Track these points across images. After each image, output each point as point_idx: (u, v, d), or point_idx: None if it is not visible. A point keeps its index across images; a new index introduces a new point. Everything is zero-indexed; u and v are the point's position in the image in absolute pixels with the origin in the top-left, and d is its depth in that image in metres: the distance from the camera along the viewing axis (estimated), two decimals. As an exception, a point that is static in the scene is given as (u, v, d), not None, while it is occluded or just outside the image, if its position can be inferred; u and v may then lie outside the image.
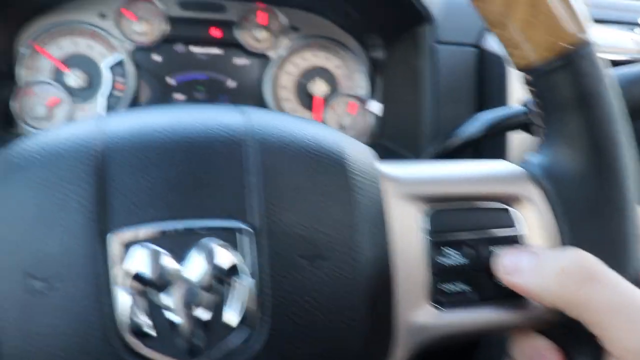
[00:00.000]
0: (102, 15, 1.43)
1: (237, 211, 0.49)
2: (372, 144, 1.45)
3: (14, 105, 1.38)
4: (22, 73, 1.40)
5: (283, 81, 1.49)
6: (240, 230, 0.48)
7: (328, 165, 0.52)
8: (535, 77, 0.59)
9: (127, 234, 0.47)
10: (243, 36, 1.47)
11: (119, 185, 0.48)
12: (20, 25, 1.39)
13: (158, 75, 1.46)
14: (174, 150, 0.50)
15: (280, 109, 1.48)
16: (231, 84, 1.48)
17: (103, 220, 0.47)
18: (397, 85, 1.44)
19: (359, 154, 0.56)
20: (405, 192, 0.57)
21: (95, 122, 0.54)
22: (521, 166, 0.63)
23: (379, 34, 1.42)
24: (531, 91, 0.61)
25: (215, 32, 1.47)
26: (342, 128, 1.49)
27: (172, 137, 0.51)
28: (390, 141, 1.47)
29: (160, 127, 0.52)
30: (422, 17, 1.30)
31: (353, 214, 0.51)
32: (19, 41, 1.40)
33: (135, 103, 1.44)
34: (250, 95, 1.49)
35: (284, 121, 0.56)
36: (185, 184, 0.49)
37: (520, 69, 0.60)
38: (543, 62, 0.57)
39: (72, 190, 0.47)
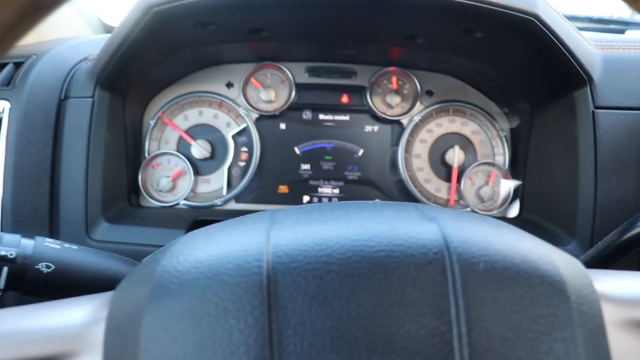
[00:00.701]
0: (230, 85, 1.37)
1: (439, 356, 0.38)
2: (514, 218, 1.32)
3: (140, 178, 1.32)
4: (149, 145, 1.34)
5: (417, 149, 1.39)
6: None
7: (545, 294, 0.41)
8: None
9: None
10: (374, 102, 1.38)
11: (292, 320, 0.38)
12: (150, 98, 1.34)
13: (284, 145, 1.38)
14: (356, 274, 0.40)
15: (414, 180, 1.37)
16: (360, 152, 1.38)
17: None
18: (546, 153, 1.31)
19: (576, 274, 0.44)
20: (631, 317, 0.45)
21: (259, 234, 0.45)
22: None
23: (526, 98, 1.30)
24: None
25: (345, 98, 1.38)
26: (480, 199, 1.37)
27: (353, 257, 0.41)
28: (536, 215, 1.33)
29: (337, 243, 0.42)
30: (581, 80, 1.17)
31: (577, 352, 0.40)
32: (148, 113, 1.35)
33: (259, 173, 1.35)
34: (381, 165, 1.39)
35: (485, 233, 0.45)
36: (372, 319, 0.38)
37: None
38: None
39: (236, 328, 0.38)
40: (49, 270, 0.70)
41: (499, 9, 0.98)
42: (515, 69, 1.24)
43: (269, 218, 0.51)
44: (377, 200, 0.55)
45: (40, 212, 1.12)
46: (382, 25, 1.14)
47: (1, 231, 1.12)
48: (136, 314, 0.41)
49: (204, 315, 0.38)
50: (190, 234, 0.54)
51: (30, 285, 0.70)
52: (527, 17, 1.00)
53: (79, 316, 0.46)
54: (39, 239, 0.73)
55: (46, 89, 1.16)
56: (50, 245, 0.73)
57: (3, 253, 0.68)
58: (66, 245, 0.74)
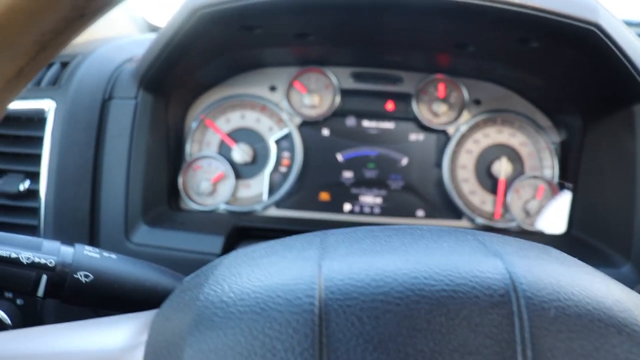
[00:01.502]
0: (273, 88, 1.34)
1: None
2: (563, 235, 1.27)
3: (180, 180, 1.31)
4: (190, 147, 1.33)
5: (462, 160, 1.35)
6: None
7: (622, 346, 0.36)
8: None
9: None
10: (420, 110, 1.34)
11: None
12: (193, 100, 1.33)
13: (326, 151, 1.35)
14: (415, 315, 0.37)
15: (458, 191, 1.33)
16: (404, 161, 1.35)
17: None
18: (599, 170, 1.25)
19: None
20: None
21: (309, 265, 0.42)
22: None
23: (579, 110, 1.25)
24: None
25: (390, 105, 1.35)
26: (526, 214, 1.32)
27: (412, 296, 0.38)
28: (587, 234, 1.28)
29: (395, 280, 0.39)
30: (641, 93, 1.12)
31: None
32: (190, 115, 1.34)
33: (301, 180, 1.33)
34: (425, 175, 1.35)
35: (555, 272, 0.41)
36: None
37: None
38: None
39: None
40: (87, 280, 0.69)
41: (559, 18, 0.94)
42: (570, 80, 1.19)
43: (319, 244, 0.48)
44: (432, 226, 0.52)
45: (81, 212, 1.12)
46: (434, 33, 1.11)
47: (43, 230, 1.12)
48: (177, 345, 0.39)
49: (250, 354, 0.36)
50: (234, 255, 0.51)
51: (69, 293, 0.69)
52: (588, 26, 0.96)
53: (118, 339, 0.45)
54: (78, 246, 0.71)
55: (90, 89, 1.16)
56: (89, 253, 0.71)
57: (43, 261, 0.67)
58: (105, 254, 0.73)
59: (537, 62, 1.15)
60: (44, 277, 0.67)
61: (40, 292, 0.67)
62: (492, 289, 0.38)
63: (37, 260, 0.67)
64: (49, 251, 0.68)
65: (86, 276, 0.69)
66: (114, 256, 0.74)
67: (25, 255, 0.67)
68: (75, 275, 0.69)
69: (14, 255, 0.66)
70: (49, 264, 0.67)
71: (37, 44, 0.35)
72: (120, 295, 0.72)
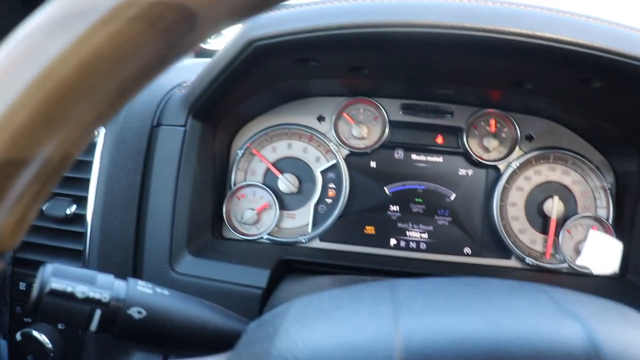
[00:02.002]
0: (321, 118, 1.33)
1: None
2: (617, 279, 1.22)
3: (224, 208, 1.29)
4: (235, 176, 1.32)
5: (513, 197, 1.31)
6: None
7: None
8: None
9: None
10: (470, 144, 1.31)
11: None
12: (239, 128, 1.32)
13: (373, 183, 1.33)
14: None
15: (507, 230, 1.29)
16: (452, 196, 1.32)
17: None
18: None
19: None
20: None
21: (385, 323, 0.40)
22: None
23: (637, 149, 1.21)
24: None
25: (439, 139, 1.33)
26: (578, 255, 1.28)
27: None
28: (642, 278, 1.23)
29: (475, 345, 0.37)
30: None
31: None
32: (235, 143, 1.33)
33: (346, 212, 1.31)
34: (473, 211, 1.32)
35: (638, 339, 0.39)
36: None
37: None
38: None
39: None
40: (140, 317, 0.68)
41: (625, 60, 0.91)
42: (629, 119, 1.16)
43: (389, 298, 0.46)
44: (501, 280, 0.50)
45: (126, 239, 1.11)
46: (491, 70, 1.08)
47: (87, 255, 1.12)
48: None
49: None
50: (301, 304, 0.49)
51: (121, 329, 0.68)
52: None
53: None
54: (131, 281, 0.71)
55: (140, 114, 1.16)
56: (142, 289, 0.70)
57: (97, 296, 0.66)
58: (158, 290, 0.72)
59: (597, 102, 1.12)
60: (98, 312, 0.66)
61: (94, 326, 0.67)
62: (574, 357, 0.36)
63: (91, 295, 0.66)
64: (103, 285, 0.68)
65: (139, 312, 0.68)
66: (166, 292, 0.72)
67: (80, 290, 0.66)
68: (129, 312, 0.67)
69: (69, 290, 0.65)
70: (102, 300, 0.66)
71: (118, 90, 0.35)
72: (171, 333, 0.70)
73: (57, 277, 0.65)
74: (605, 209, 1.29)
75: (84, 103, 0.34)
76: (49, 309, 0.65)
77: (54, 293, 0.65)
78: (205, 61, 1.17)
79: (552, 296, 0.46)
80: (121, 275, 1.05)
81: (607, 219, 1.28)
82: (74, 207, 1.15)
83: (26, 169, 0.33)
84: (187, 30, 0.34)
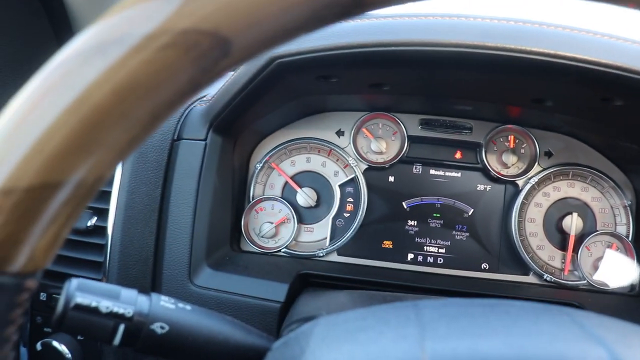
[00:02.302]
0: (340, 133, 1.34)
1: None
2: (635, 295, 1.21)
3: (242, 221, 1.30)
4: (253, 189, 1.33)
5: (531, 213, 1.31)
6: None
7: None
8: None
9: None
10: (489, 160, 1.31)
11: None
12: (258, 142, 1.33)
13: (391, 198, 1.33)
14: None
15: (525, 246, 1.29)
16: (470, 212, 1.32)
17: None
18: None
19: None
20: None
21: (413, 346, 0.41)
22: None
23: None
24: None
25: (458, 154, 1.33)
26: (596, 271, 1.27)
27: None
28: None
29: None
30: None
31: None
32: (254, 157, 1.34)
33: (364, 226, 1.31)
34: (491, 227, 1.31)
35: None
36: None
37: None
38: None
39: None
40: (163, 332, 0.68)
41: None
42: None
43: (415, 320, 0.46)
44: (525, 303, 0.50)
45: (146, 251, 1.12)
46: (512, 87, 1.08)
47: (107, 267, 1.13)
48: None
49: None
50: (325, 324, 0.50)
51: (144, 344, 0.69)
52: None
53: None
54: (154, 297, 0.71)
55: (160, 128, 1.17)
56: (165, 304, 0.71)
57: (121, 311, 0.67)
58: (180, 305, 0.72)
59: (618, 120, 1.12)
60: (121, 327, 0.67)
61: (117, 341, 0.67)
62: None
63: (115, 310, 0.67)
64: (126, 300, 0.68)
65: (162, 327, 0.69)
66: (188, 307, 0.73)
67: (104, 305, 0.66)
68: (151, 327, 0.68)
69: (93, 305, 0.66)
70: (126, 314, 0.67)
71: (151, 115, 0.35)
72: (193, 348, 0.71)
73: (82, 291, 0.66)
74: (625, 225, 1.28)
75: (118, 127, 0.34)
76: (74, 323, 0.66)
77: (79, 308, 0.65)
78: (226, 75, 1.18)
79: (576, 319, 0.47)
80: (141, 287, 1.07)
81: (627, 236, 1.27)
82: (94, 219, 1.16)
83: (60, 192, 0.34)
84: (221, 56, 0.35)
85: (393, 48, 0.92)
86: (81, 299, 0.66)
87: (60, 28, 1.28)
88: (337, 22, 0.36)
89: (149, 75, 0.33)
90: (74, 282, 0.66)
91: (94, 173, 0.35)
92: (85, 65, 0.33)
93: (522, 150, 1.31)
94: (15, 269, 0.35)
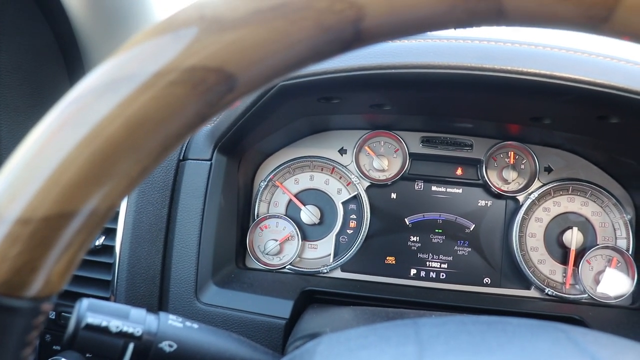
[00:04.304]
0: (342, 151, 1.36)
1: None
2: (636, 309, 1.23)
3: (247, 239, 1.32)
4: (258, 207, 1.35)
5: (532, 228, 1.33)
6: None
7: None
8: None
9: None
10: (489, 176, 1.33)
11: None
12: (263, 160, 1.36)
13: (393, 214, 1.35)
14: None
15: (527, 260, 1.30)
16: (472, 227, 1.34)
17: None
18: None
19: None
20: None
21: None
22: None
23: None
24: None
25: (459, 171, 1.35)
26: (597, 285, 1.28)
27: None
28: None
29: None
30: None
31: None
32: (259, 175, 1.36)
33: (367, 242, 1.33)
34: (493, 242, 1.33)
35: None
36: None
37: None
38: None
39: None
40: (171, 350, 0.70)
41: (640, 98, 0.93)
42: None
43: (414, 337, 0.48)
44: (521, 320, 0.52)
45: (153, 270, 1.14)
46: (510, 107, 1.11)
47: (115, 285, 1.15)
48: None
49: None
50: (328, 343, 0.52)
51: (152, 362, 0.70)
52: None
53: None
54: (162, 315, 0.73)
55: (167, 149, 1.19)
56: (173, 323, 0.73)
57: (131, 331, 0.69)
58: (188, 323, 0.74)
59: (615, 137, 1.14)
60: (131, 346, 0.69)
61: (126, 359, 0.69)
62: None
63: (125, 329, 0.68)
64: (135, 319, 0.70)
65: (170, 345, 0.70)
66: (195, 325, 0.75)
67: (114, 324, 0.68)
68: (160, 345, 0.70)
69: (104, 324, 0.68)
70: (135, 334, 0.69)
71: (160, 147, 0.37)
72: (200, 366, 0.72)
73: (92, 311, 0.68)
74: (625, 239, 1.30)
75: (129, 159, 0.36)
76: (85, 342, 0.67)
77: (90, 327, 0.67)
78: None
79: (571, 336, 0.48)
80: (148, 305, 1.09)
81: (627, 250, 1.28)
82: (102, 239, 1.18)
83: (75, 221, 0.36)
84: (227, 91, 0.37)
85: (393, 71, 0.94)
86: (92, 318, 0.68)
87: (73, 67, 1.32)
88: (338, 56, 0.38)
89: (159, 109, 0.35)
90: (85, 303, 0.68)
91: (107, 202, 0.36)
92: (98, 101, 0.35)
93: (522, 166, 1.33)
94: (32, 293, 0.37)
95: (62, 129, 0.35)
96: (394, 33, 0.36)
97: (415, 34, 0.38)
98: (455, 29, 0.37)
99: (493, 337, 0.48)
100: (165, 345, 0.70)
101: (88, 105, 0.35)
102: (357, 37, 0.36)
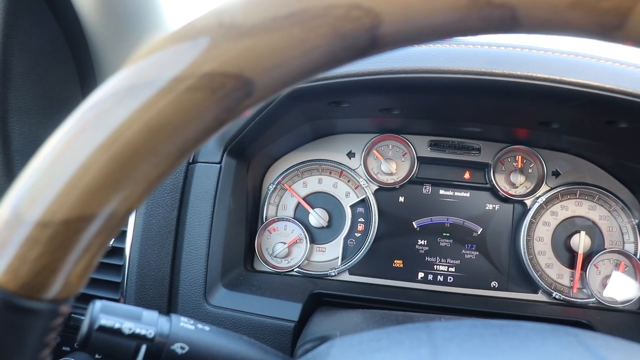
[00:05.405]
0: (351, 154, 1.37)
1: None
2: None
3: (256, 241, 1.33)
4: (266, 210, 1.35)
5: (539, 232, 1.33)
6: None
7: None
8: None
9: None
10: (497, 180, 1.33)
11: None
12: (271, 164, 1.36)
13: (401, 218, 1.35)
14: None
15: (534, 264, 1.31)
16: (479, 231, 1.34)
17: None
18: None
19: None
20: None
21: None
22: None
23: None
24: None
25: (467, 174, 1.35)
26: (605, 289, 1.29)
27: None
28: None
29: None
30: None
31: None
32: (267, 178, 1.37)
33: (375, 246, 1.33)
34: (500, 246, 1.33)
35: None
36: None
37: None
38: None
39: None
40: (183, 352, 0.71)
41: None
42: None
43: (427, 341, 0.48)
44: (533, 324, 0.52)
45: (162, 272, 1.15)
46: (518, 111, 1.11)
47: (125, 287, 1.16)
48: None
49: None
50: (341, 346, 0.52)
51: (164, 364, 0.71)
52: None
53: None
54: (174, 317, 0.74)
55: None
56: (185, 325, 0.73)
57: (143, 332, 0.69)
58: (199, 325, 0.75)
59: (623, 141, 1.14)
60: (143, 348, 0.69)
61: None
62: None
63: (137, 331, 0.69)
64: (148, 321, 0.71)
65: (182, 348, 0.71)
66: (207, 328, 0.75)
67: (127, 326, 0.69)
68: (172, 347, 0.70)
69: (117, 326, 0.68)
70: (148, 335, 0.69)
71: (178, 151, 0.37)
72: (212, 368, 0.73)
73: (105, 313, 0.69)
74: (632, 244, 1.30)
75: (148, 163, 0.37)
76: (98, 344, 0.68)
77: (103, 329, 0.68)
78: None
79: (582, 340, 0.48)
80: (157, 307, 1.09)
81: (635, 254, 1.28)
82: (112, 241, 1.19)
83: (93, 224, 0.36)
84: (244, 96, 0.37)
85: (403, 75, 0.95)
86: (105, 320, 0.68)
87: (84, 70, 1.33)
88: (354, 62, 0.38)
89: (178, 114, 0.36)
90: (98, 304, 0.69)
91: (125, 206, 0.37)
92: (117, 105, 0.35)
93: (530, 170, 1.34)
94: (51, 296, 0.37)
95: (81, 133, 0.35)
96: (409, 40, 0.36)
97: (430, 41, 0.38)
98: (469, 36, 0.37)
99: (505, 341, 0.48)
100: (177, 348, 0.71)
101: (107, 110, 0.35)
102: (373, 44, 0.36)
